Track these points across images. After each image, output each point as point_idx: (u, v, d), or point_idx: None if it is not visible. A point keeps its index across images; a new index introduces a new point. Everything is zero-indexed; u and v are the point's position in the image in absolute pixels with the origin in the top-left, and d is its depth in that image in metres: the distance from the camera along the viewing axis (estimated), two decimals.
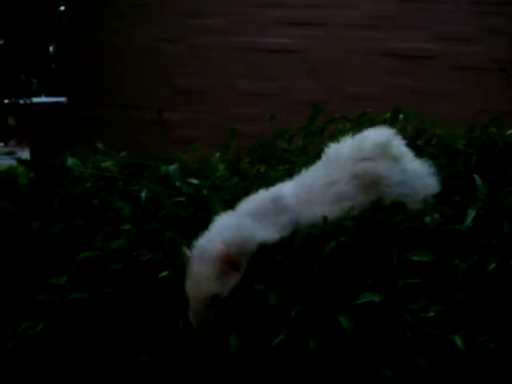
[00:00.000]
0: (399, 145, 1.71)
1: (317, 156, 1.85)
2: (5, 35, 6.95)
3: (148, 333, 1.59)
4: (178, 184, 1.83)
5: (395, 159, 1.66)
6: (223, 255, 1.48)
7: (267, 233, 1.56)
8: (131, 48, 5.68)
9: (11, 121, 6.69)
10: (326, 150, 1.73)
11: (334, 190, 1.61)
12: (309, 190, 1.63)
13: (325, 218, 1.57)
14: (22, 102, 6.86)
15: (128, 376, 1.60)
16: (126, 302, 1.63)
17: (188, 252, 1.54)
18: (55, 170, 1.82)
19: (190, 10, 5.51)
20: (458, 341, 1.38)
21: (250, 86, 5.39)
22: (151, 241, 1.69)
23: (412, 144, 1.98)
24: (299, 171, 1.75)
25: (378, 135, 1.71)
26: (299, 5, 5.41)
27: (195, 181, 1.82)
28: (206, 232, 1.57)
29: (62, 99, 6.91)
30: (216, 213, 1.75)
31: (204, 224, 1.72)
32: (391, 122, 2.04)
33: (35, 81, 7.22)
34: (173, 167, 1.84)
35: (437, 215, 1.62)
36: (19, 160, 1.84)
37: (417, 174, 1.68)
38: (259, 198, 1.63)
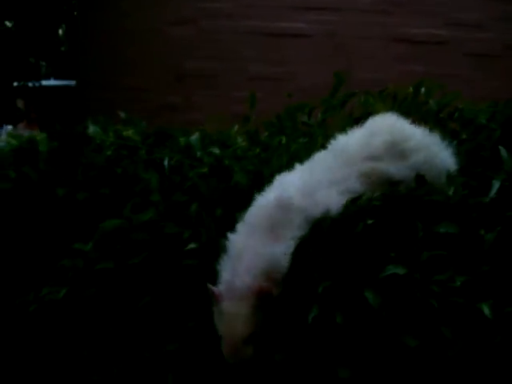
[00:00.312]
0: (409, 135, 1.65)
1: (337, 129, 1.85)
2: (14, 18, 6.93)
3: (173, 307, 1.58)
4: (199, 154, 1.82)
5: (403, 155, 1.61)
6: (256, 291, 1.42)
7: (289, 244, 1.49)
8: (141, 31, 5.65)
9: (20, 104, 6.68)
10: (333, 141, 1.68)
11: (343, 186, 1.57)
12: (317, 186, 1.57)
13: (354, 199, 1.55)
14: (31, 84, 6.85)
15: (149, 346, 1.60)
16: (152, 274, 1.62)
17: (215, 289, 1.45)
18: (77, 138, 1.81)
19: None
20: (486, 309, 1.37)
21: (261, 71, 5.36)
22: (178, 213, 1.68)
23: (434, 118, 1.98)
24: (319, 145, 1.73)
25: (385, 129, 1.65)
26: None
27: (217, 150, 1.81)
28: (228, 261, 1.49)
29: (71, 82, 6.90)
30: (238, 183, 1.75)
31: (227, 195, 1.72)
32: (413, 96, 2.03)
33: (44, 63, 7.20)
34: (194, 137, 1.83)
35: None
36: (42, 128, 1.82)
37: (430, 161, 1.63)
38: (266, 207, 1.53)
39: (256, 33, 5.45)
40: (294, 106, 2.07)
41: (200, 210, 1.65)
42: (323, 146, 1.72)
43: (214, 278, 1.49)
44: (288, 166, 1.69)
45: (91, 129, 1.82)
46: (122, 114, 1.85)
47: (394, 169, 1.59)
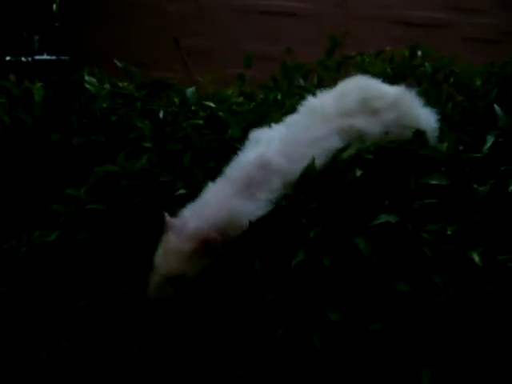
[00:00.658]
0: (379, 94, 1.65)
1: None
2: None
3: None
4: (194, 107, 1.82)
5: (375, 112, 1.61)
6: (202, 239, 1.41)
7: (260, 205, 1.48)
8: (136, 6, 5.61)
9: (13, 78, 6.62)
10: (306, 102, 1.67)
11: (323, 144, 1.56)
12: (297, 146, 1.56)
13: (342, 150, 1.56)
14: (24, 59, 6.80)
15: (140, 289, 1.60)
16: (144, 219, 1.62)
17: (169, 220, 1.46)
18: (73, 88, 1.80)
19: None
20: (476, 257, 1.38)
21: (256, 49, 5.34)
22: (171, 162, 1.68)
23: (429, 80, 1.98)
24: None
25: (357, 89, 1.65)
26: None
27: (212, 104, 1.80)
28: (195, 203, 1.49)
29: (64, 58, 6.85)
30: (233, 137, 1.76)
31: (222, 147, 1.72)
32: (409, 59, 2.03)
33: (37, 38, 7.14)
34: (190, 90, 1.82)
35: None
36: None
37: (403, 120, 1.63)
38: (247, 165, 1.53)
39: (252, 11, 5.43)
40: (290, 66, 2.07)
41: (192, 161, 1.65)
42: None
43: None
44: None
45: (87, 79, 1.81)
46: (119, 64, 1.84)
47: (368, 125, 1.59)
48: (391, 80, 1.98)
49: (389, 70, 2.03)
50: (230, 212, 1.46)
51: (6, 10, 6.93)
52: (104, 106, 1.82)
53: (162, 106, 1.78)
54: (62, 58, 6.78)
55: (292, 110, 1.78)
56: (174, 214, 1.51)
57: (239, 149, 1.61)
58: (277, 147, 1.56)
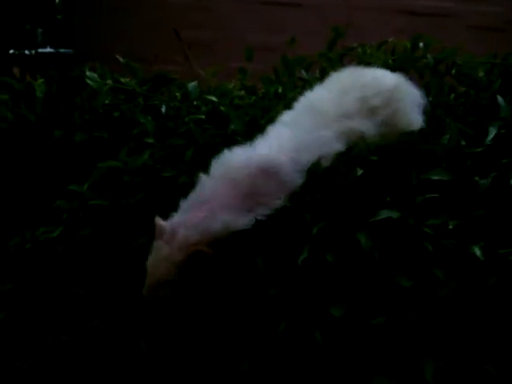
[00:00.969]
0: (378, 90, 1.61)
1: None
2: None
3: None
4: (196, 102, 1.82)
5: (373, 111, 1.58)
6: (193, 249, 1.38)
7: (256, 218, 1.42)
8: None
9: (16, 71, 6.62)
10: (303, 98, 1.63)
11: (326, 148, 1.52)
12: (304, 151, 1.49)
13: (348, 149, 1.54)
14: (27, 52, 6.80)
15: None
16: (146, 214, 1.62)
17: (160, 225, 1.42)
18: (74, 83, 1.80)
19: None
20: (478, 251, 1.38)
21: (258, 40, 5.33)
22: (174, 157, 1.67)
23: (431, 72, 1.98)
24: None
25: (355, 86, 1.60)
26: None
27: (214, 98, 1.80)
28: (187, 203, 1.44)
29: (68, 51, 6.84)
30: (235, 131, 1.75)
31: (225, 142, 1.72)
32: (411, 50, 2.03)
33: (40, 31, 7.14)
34: (192, 84, 1.82)
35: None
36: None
37: (400, 115, 1.62)
38: (250, 166, 1.44)
39: (254, 1, 5.41)
40: (291, 59, 2.06)
41: (195, 156, 1.65)
42: None
43: None
44: None
45: (88, 74, 1.81)
46: (121, 59, 1.84)
47: (367, 127, 1.56)
48: (392, 72, 1.97)
49: (390, 61, 2.03)
50: (223, 225, 1.40)
51: (8, 3, 6.92)
52: (106, 102, 1.82)
53: (164, 101, 1.78)
54: (65, 51, 6.78)
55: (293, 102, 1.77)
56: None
57: (242, 143, 1.60)
58: (287, 150, 1.48)
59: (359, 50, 2.03)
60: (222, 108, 1.77)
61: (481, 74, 1.94)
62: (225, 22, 5.45)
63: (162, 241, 1.41)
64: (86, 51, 5.92)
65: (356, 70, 1.71)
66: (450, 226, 1.43)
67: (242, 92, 1.94)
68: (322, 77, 2.09)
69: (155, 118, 1.73)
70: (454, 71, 2.00)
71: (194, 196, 1.45)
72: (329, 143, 1.52)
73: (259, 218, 1.42)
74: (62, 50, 6.86)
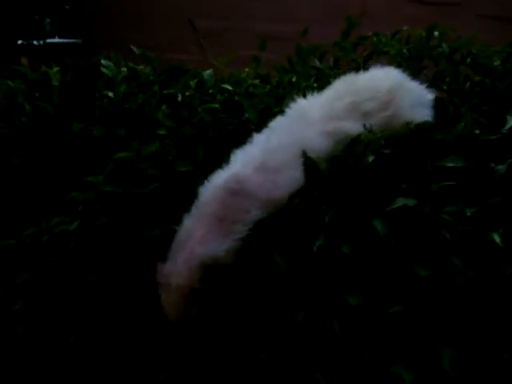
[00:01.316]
0: (373, 95, 1.59)
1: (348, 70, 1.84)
2: None
3: None
4: (211, 90, 1.81)
5: (365, 115, 1.57)
6: (188, 288, 1.42)
7: (236, 237, 1.42)
8: None
9: (24, 61, 6.62)
10: (294, 105, 1.61)
11: (308, 146, 1.50)
12: (279, 153, 1.49)
13: (354, 139, 1.53)
14: (35, 42, 6.79)
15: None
16: (161, 203, 1.63)
17: (160, 268, 1.47)
18: (90, 72, 1.80)
19: None
20: (497, 238, 1.38)
21: (270, 29, 5.31)
22: (186, 148, 1.68)
23: (447, 61, 1.97)
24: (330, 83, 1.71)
25: (347, 93, 1.60)
26: None
27: (229, 87, 1.80)
28: (176, 244, 1.47)
29: (76, 41, 6.84)
30: (249, 120, 1.75)
31: (238, 130, 1.72)
32: (426, 39, 2.02)
33: (48, 21, 7.13)
34: (208, 72, 1.82)
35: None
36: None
37: (396, 115, 1.60)
38: (218, 191, 1.45)
39: None
40: (305, 48, 2.05)
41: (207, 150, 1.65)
42: None
43: None
44: None
45: (103, 63, 1.81)
46: (136, 50, 1.84)
47: (357, 128, 1.55)
48: (407, 61, 1.97)
49: (405, 50, 2.02)
50: (204, 256, 1.41)
51: None
52: (121, 89, 1.82)
53: (179, 90, 1.78)
54: (74, 41, 6.77)
55: (308, 92, 1.77)
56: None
57: (256, 131, 1.60)
58: (252, 162, 1.48)
59: (374, 39, 2.01)
60: (237, 97, 1.76)
61: (497, 62, 1.92)
62: (236, 11, 5.43)
63: (161, 283, 1.46)
64: (94, 41, 5.92)
65: (352, 77, 1.68)
66: (468, 214, 1.43)
67: (257, 81, 1.93)
68: (336, 66, 2.09)
69: (171, 107, 1.73)
70: (469, 60, 1.99)
71: (178, 238, 1.48)
72: (311, 141, 1.51)
73: (238, 236, 1.43)
74: (70, 40, 6.86)
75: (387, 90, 1.60)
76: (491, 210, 1.43)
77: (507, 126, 1.56)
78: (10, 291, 1.66)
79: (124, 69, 1.85)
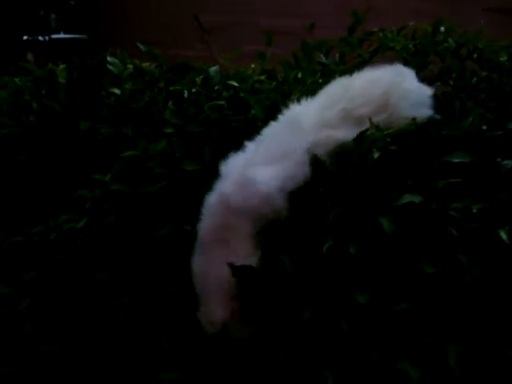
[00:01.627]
0: (367, 100, 1.56)
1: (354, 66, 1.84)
2: None
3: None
4: (217, 87, 1.82)
5: (358, 122, 1.54)
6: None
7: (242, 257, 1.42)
8: None
9: (30, 57, 6.64)
10: (287, 111, 1.58)
11: (297, 157, 1.48)
12: (268, 162, 1.47)
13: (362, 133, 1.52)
14: (41, 38, 6.80)
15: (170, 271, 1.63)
16: (168, 202, 1.64)
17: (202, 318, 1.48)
18: (96, 69, 1.81)
19: None
20: (504, 235, 1.38)
21: (274, 24, 5.29)
22: (192, 146, 1.68)
23: (453, 56, 1.96)
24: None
25: (341, 100, 1.56)
26: None
27: (235, 83, 1.80)
28: (197, 285, 1.48)
29: (81, 36, 6.85)
30: (255, 117, 1.75)
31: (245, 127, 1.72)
32: (432, 34, 2.01)
33: (53, 16, 7.13)
34: (214, 69, 1.82)
35: None
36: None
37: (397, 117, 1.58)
38: (212, 213, 1.45)
39: None
40: (310, 44, 2.05)
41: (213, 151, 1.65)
42: None
43: None
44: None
45: (109, 60, 1.81)
46: (142, 47, 1.84)
47: (350, 135, 1.52)
48: (413, 56, 1.96)
49: (411, 46, 2.01)
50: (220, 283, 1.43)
51: None
52: (127, 86, 1.82)
53: (185, 86, 1.78)
54: (79, 36, 6.78)
55: (313, 88, 1.77)
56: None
57: (262, 128, 1.60)
58: (235, 176, 1.46)
59: (380, 34, 2.01)
60: (242, 94, 1.77)
61: (503, 58, 1.92)
62: (240, 6, 5.42)
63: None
64: (99, 36, 5.94)
65: (346, 80, 1.65)
66: (474, 210, 1.43)
67: (263, 77, 1.93)
68: (342, 61, 2.09)
69: (177, 104, 1.74)
70: (475, 55, 1.98)
71: (197, 281, 1.48)
72: (299, 151, 1.49)
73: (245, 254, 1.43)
74: (75, 36, 6.87)
75: (383, 92, 1.58)
76: (498, 206, 1.43)
77: None
78: (17, 289, 1.67)
79: (130, 66, 1.86)
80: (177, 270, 1.61)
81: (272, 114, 1.69)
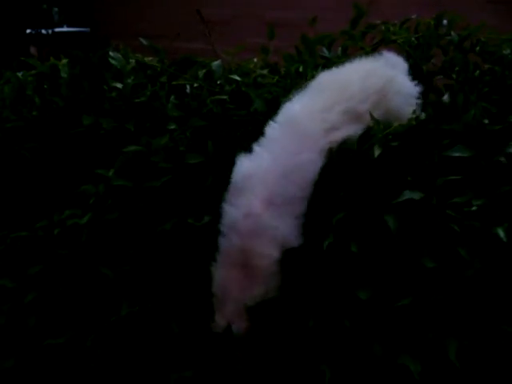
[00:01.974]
0: (364, 96, 1.57)
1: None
2: None
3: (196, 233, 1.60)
4: (220, 81, 1.82)
5: (358, 119, 1.55)
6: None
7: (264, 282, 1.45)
8: None
9: (33, 51, 6.65)
10: (284, 110, 1.57)
11: (309, 170, 1.48)
12: (284, 183, 1.45)
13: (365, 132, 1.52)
14: (44, 32, 6.81)
15: (171, 266, 1.63)
16: (172, 196, 1.64)
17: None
18: (98, 64, 1.81)
19: None
20: (501, 232, 1.38)
21: (277, 16, 5.28)
22: (195, 140, 1.68)
23: (455, 49, 1.95)
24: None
25: (341, 99, 1.55)
26: None
27: (237, 77, 1.80)
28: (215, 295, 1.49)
29: (84, 29, 6.85)
30: (257, 111, 1.75)
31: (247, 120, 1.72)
32: (434, 28, 2.00)
33: (56, 9, 7.13)
34: (216, 63, 1.82)
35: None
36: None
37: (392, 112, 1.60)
38: (234, 232, 1.43)
39: None
40: (311, 38, 2.04)
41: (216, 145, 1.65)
42: None
43: None
44: None
45: (112, 54, 1.81)
46: (145, 42, 1.84)
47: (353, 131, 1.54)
48: (416, 49, 1.96)
49: (413, 39, 2.00)
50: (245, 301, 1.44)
51: None
52: (129, 81, 1.82)
53: (188, 80, 1.78)
54: (82, 29, 6.78)
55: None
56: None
57: (265, 122, 1.60)
58: (262, 192, 1.44)
59: (382, 27, 2.00)
60: (243, 88, 1.76)
61: (506, 51, 1.91)
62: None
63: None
64: (102, 29, 5.93)
65: (339, 74, 1.66)
66: (474, 208, 1.43)
67: (265, 71, 1.92)
68: (344, 54, 2.08)
69: (179, 98, 1.74)
70: (478, 48, 1.97)
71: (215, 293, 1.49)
72: (313, 164, 1.49)
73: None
74: (78, 29, 6.87)
75: (379, 88, 1.59)
76: (497, 201, 1.43)
77: None
78: (22, 283, 1.67)
79: (132, 60, 1.86)
80: (182, 264, 1.62)
81: (274, 107, 1.69)
